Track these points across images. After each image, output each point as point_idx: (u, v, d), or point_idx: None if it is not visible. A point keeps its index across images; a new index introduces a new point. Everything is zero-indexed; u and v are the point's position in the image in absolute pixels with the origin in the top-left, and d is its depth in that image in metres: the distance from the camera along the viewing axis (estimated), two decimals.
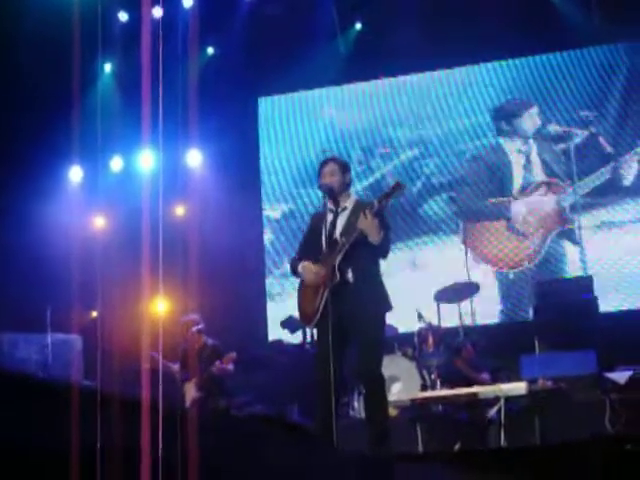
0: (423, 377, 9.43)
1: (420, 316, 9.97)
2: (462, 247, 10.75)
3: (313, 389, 6.10)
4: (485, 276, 11.59)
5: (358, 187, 12.01)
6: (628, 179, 11.48)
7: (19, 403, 2.42)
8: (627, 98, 11.70)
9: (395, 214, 11.71)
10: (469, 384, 8.22)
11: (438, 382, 9.18)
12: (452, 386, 8.44)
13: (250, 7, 12.36)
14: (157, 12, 10.14)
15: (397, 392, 9.24)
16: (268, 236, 12.91)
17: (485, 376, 8.64)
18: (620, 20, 11.19)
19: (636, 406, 7.47)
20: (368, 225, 5.94)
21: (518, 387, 7.60)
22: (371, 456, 5.58)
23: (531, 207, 11.79)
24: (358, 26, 12.64)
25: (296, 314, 6.68)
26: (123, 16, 11.97)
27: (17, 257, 10.98)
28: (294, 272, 6.42)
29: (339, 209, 6.31)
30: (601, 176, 11.52)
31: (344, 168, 6.43)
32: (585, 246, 11.52)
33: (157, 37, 5.27)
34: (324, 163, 6.48)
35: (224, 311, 11.30)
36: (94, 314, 11.09)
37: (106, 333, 9.37)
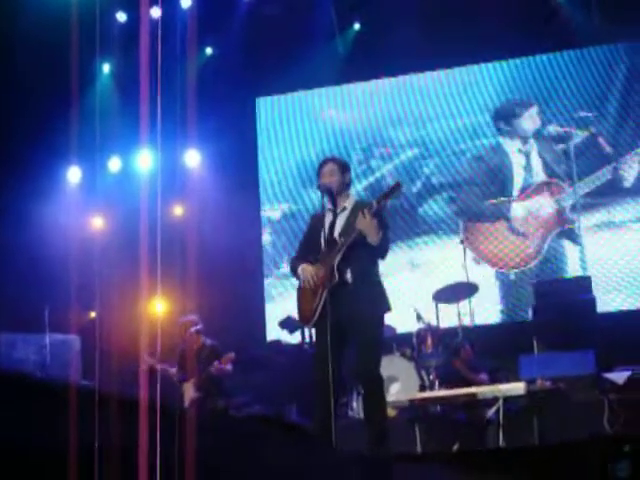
0: (422, 377, 9.42)
1: (419, 316, 9.96)
2: (463, 249, 10.72)
3: (312, 389, 6.09)
4: (486, 276, 11.58)
5: (358, 187, 12.00)
6: (629, 180, 11.47)
7: (17, 403, 2.42)
8: (627, 98, 11.69)
9: (395, 214, 11.71)
10: (468, 385, 8.23)
11: (437, 382, 9.18)
12: (451, 386, 8.44)
13: (248, 7, 12.36)
14: (155, 12, 10.15)
15: (396, 392, 9.24)
16: (267, 237, 12.89)
17: (483, 377, 8.65)
18: (620, 20, 11.19)
19: (634, 406, 7.46)
20: (367, 225, 5.94)
21: (517, 387, 7.60)
22: (370, 456, 5.57)
23: (531, 207, 11.78)
24: (357, 26, 12.63)
25: (294, 314, 6.68)
26: (122, 16, 11.97)
27: (15, 257, 10.97)
28: (294, 272, 6.42)
29: (338, 209, 6.31)
30: (602, 176, 11.51)
31: (343, 168, 6.41)
32: (585, 246, 11.51)
33: (155, 37, 5.27)
34: (323, 163, 6.47)
35: (222, 311, 11.30)
36: (92, 314, 11.09)
37: (104, 333, 9.38)
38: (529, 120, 12.09)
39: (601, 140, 11.61)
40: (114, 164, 12.68)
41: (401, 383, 9.41)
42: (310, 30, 12.25)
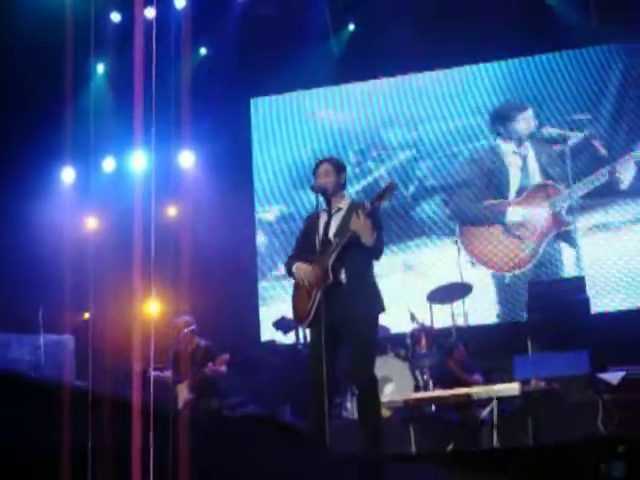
0: (416, 378, 9.43)
1: (413, 317, 9.97)
2: (456, 248, 10.72)
3: (306, 390, 6.09)
4: (482, 278, 11.58)
5: (351, 190, 11.94)
6: (625, 182, 11.46)
7: (11, 403, 2.42)
8: (621, 99, 11.67)
9: (389, 217, 11.70)
10: (462, 385, 8.23)
11: (431, 383, 9.19)
12: (445, 387, 8.45)
13: (243, 8, 12.35)
14: (150, 13, 10.12)
15: (390, 393, 9.24)
16: (262, 238, 12.86)
17: (477, 377, 8.65)
18: (615, 21, 11.20)
19: (629, 407, 7.47)
20: (361, 226, 5.94)
21: (511, 388, 7.61)
22: (364, 457, 5.57)
23: (527, 210, 11.76)
24: (351, 27, 12.63)
25: (289, 315, 6.68)
26: (116, 17, 11.96)
27: (9, 258, 10.96)
28: (289, 272, 6.42)
29: (333, 210, 6.31)
30: (598, 179, 11.50)
31: (339, 169, 6.41)
32: (581, 248, 11.50)
33: (150, 38, 5.27)
34: (319, 163, 6.48)
35: (216, 312, 11.29)
36: (86, 315, 11.07)
37: (98, 334, 9.37)
38: (524, 122, 12.07)
39: (596, 142, 11.61)
40: (108, 164, 12.67)
41: (395, 383, 9.41)
42: (304, 30, 12.25)
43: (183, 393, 9.09)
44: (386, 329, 9.91)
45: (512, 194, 11.90)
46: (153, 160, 10.95)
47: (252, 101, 13.33)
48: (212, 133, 12.18)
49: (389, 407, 8.48)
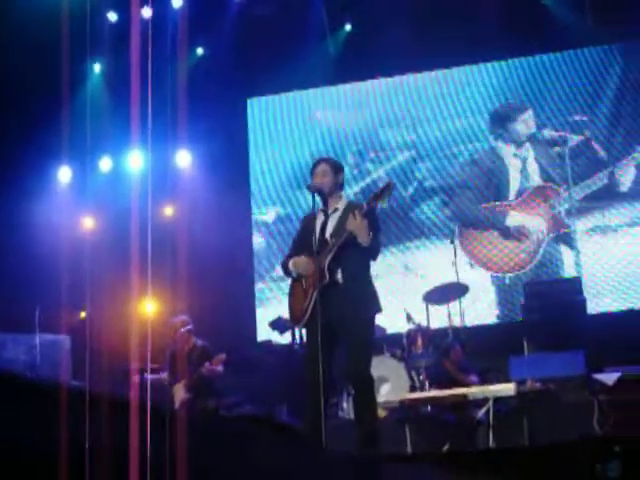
0: (412, 378, 9.43)
1: (409, 317, 9.97)
2: (454, 249, 10.70)
3: (302, 390, 6.09)
4: (481, 280, 11.58)
5: (349, 192, 11.90)
6: (625, 184, 11.44)
7: (7, 403, 2.42)
8: (620, 100, 11.65)
9: (388, 218, 11.69)
10: (458, 385, 8.24)
11: (427, 383, 9.19)
12: (441, 387, 8.45)
13: (240, 7, 12.34)
14: (146, 12, 10.13)
15: (386, 393, 9.24)
16: (259, 239, 12.83)
17: (473, 378, 8.66)
18: (613, 21, 11.20)
19: (624, 407, 7.47)
20: (357, 226, 5.95)
21: (507, 388, 7.62)
22: (360, 457, 5.57)
23: (527, 211, 11.75)
24: (348, 27, 12.62)
25: (285, 315, 6.68)
26: (112, 16, 11.94)
27: (6, 257, 10.95)
28: (285, 271, 6.42)
29: (330, 210, 6.32)
30: (598, 181, 11.48)
31: (336, 169, 6.41)
32: (581, 250, 11.49)
33: (146, 37, 5.27)
34: (317, 163, 6.48)
35: (213, 312, 11.29)
36: (83, 314, 11.06)
37: (95, 333, 9.36)
38: (524, 124, 12.04)
39: (594, 144, 11.60)
40: (105, 164, 12.66)
41: (391, 384, 9.41)
42: (301, 30, 12.25)
43: (180, 393, 9.08)
44: (382, 329, 9.91)
45: (512, 195, 11.88)
46: (150, 160, 10.94)
47: (249, 101, 13.31)
48: (209, 133, 12.17)
49: (385, 407, 8.48)
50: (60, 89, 8.59)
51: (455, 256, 10.50)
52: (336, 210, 6.29)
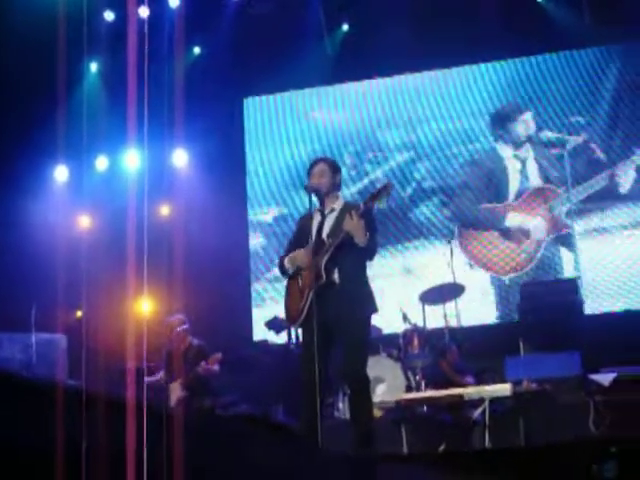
0: (408, 378, 9.43)
1: (405, 317, 9.97)
2: (453, 250, 10.68)
3: (298, 389, 6.09)
4: (480, 281, 11.58)
5: (347, 192, 11.86)
6: (625, 186, 11.43)
7: (3, 402, 2.41)
8: (617, 102, 11.66)
9: (386, 218, 11.68)
10: (454, 386, 8.24)
11: (423, 383, 9.19)
12: (437, 387, 8.45)
13: (237, 7, 12.34)
14: (143, 11, 10.12)
15: (382, 393, 9.24)
16: (255, 240, 12.81)
17: (469, 379, 8.66)
18: (611, 21, 11.20)
19: (620, 408, 7.48)
20: (354, 226, 5.94)
21: (503, 388, 7.62)
22: (356, 457, 5.57)
23: (526, 213, 11.74)
24: (345, 27, 12.62)
25: (281, 314, 6.68)
26: (109, 15, 11.93)
27: (2, 256, 10.94)
28: (282, 270, 6.41)
29: (327, 210, 6.31)
30: (598, 182, 11.48)
31: (334, 169, 6.41)
32: (580, 251, 11.49)
33: (143, 36, 5.26)
34: (314, 163, 6.47)
35: (209, 311, 11.28)
36: (79, 313, 11.06)
37: (91, 332, 9.35)
38: (523, 125, 12.03)
39: (594, 146, 11.59)
40: (101, 163, 12.65)
41: (387, 384, 9.42)
42: (298, 30, 12.25)
43: (176, 392, 9.08)
44: (378, 329, 9.91)
45: (511, 196, 11.88)
46: (146, 159, 10.95)
47: (246, 101, 13.31)
48: (205, 132, 12.17)
49: (381, 407, 8.48)
50: (56, 88, 8.58)
51: (452, 256, 10.49)
52: (333, 210, 6.29)
